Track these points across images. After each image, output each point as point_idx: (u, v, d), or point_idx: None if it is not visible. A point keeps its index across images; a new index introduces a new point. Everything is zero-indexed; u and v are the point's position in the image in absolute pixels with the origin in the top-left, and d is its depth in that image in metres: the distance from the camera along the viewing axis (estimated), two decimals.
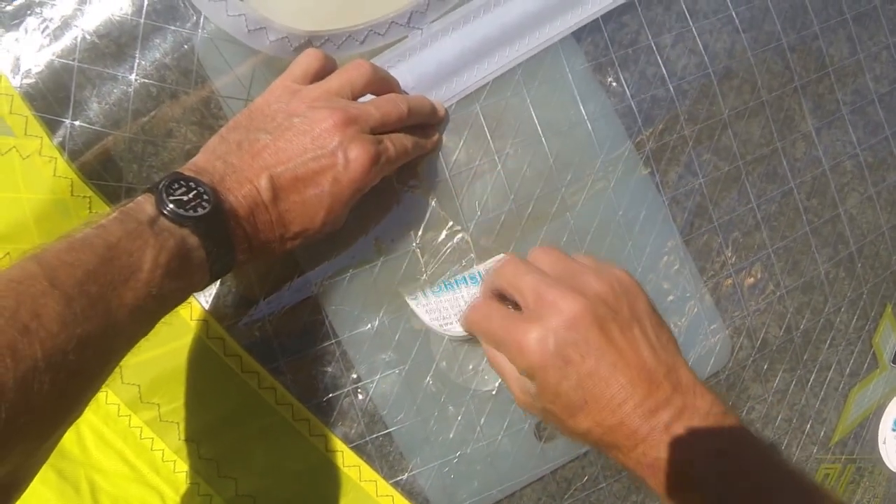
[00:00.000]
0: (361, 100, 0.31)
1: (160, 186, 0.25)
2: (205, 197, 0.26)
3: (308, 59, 0.31)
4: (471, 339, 0.33)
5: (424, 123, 0.33)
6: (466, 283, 0.34)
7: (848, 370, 0.41)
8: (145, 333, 0.25)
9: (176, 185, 0.25)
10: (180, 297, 0.26)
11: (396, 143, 0.30)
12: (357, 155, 0.28)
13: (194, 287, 0.26)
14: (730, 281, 0.37)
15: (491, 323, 0.29)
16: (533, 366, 0.27)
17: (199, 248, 0.25)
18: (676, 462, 0.26)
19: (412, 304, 0.34)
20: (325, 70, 0.31)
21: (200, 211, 0.25)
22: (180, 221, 0.25)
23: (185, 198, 0.25)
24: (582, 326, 0.27)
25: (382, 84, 0.32)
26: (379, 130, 0.30)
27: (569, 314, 0.27)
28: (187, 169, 0.27)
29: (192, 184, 0.26)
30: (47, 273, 0.21)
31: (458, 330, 0.33)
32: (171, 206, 0.25)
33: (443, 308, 0.33)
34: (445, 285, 0.34)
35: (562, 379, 0.27)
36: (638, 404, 0.26)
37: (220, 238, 0.26)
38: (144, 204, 0.25)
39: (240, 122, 0.29)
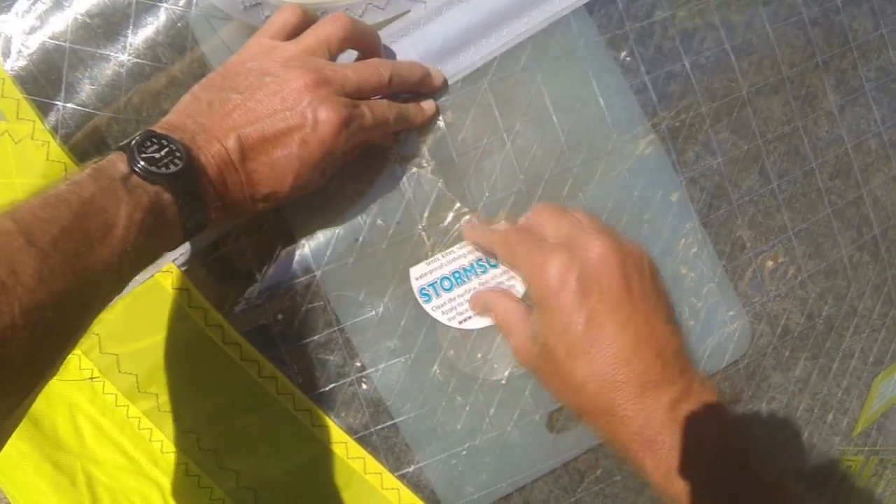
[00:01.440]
0: (347, 59, 0.30)
1: (132, 144, 0.25)
2: (177, 154, 0.25)
3: (285, 15, 0.30)
4: (492, 325, 0.32)
5: (417, 92, 0.32)
6: (476, 273, 0.33)
7: (872, 358, 0.39)
8: (119, 291, 0.25)
9: (148, 143, 0.25)
10: (155, 254, 0.26)
11: (376, 110, 0.29)
12: (327, 116, 0.27)
13: (168, 245, 0.26)
14: (750, 265, 0.36)
15: (521, 244, 0.29)
16: (550, 287, 0.26)
17: (171, 205, 0.25)
18: (681, 445, 0.25)
19: (426, 307, 0.32)
20: (303, 25, 0.30)
21: (173, 168, 0.25)
22: (153, 179, 0.25)
23: (156, 155, 0.25)
24: (609, 268, 0.26)
25: (362, 39, 0.30)
26: (355, 95, 0.29)
27: (601, 251, 0.27)
28: (160, 126, 0.27)
29: (164, 141, 0.25)
30: (23, 229, 0.21)
31: (477, 324, 0.32)
32: (143, 163, 0.25)
33: (457, 305, 0.32)
34: (455, 278, 0.32)
35: (575, 311, 0.26)
36: (644, 371, 0.25)
37: (193, 195, 0.26)
38: (117, 161, 0.25)
39: (213, 81, 0.29)
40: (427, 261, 0.33)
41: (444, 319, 0.32)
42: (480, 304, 0.32)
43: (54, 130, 0.33)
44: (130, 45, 0.32)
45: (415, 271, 0.33)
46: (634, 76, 0.34)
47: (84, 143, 0.33)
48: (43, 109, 0.33)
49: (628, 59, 0.34)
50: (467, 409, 0.33)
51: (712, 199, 0.35)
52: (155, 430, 0.34)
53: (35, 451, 0.33)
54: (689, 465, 0.25)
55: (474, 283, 0.32)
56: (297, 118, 0.27)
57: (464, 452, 0.33)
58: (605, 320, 0.26)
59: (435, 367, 0.33)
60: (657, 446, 0.25)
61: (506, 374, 0.33)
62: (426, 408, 0.33)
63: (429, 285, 0.33)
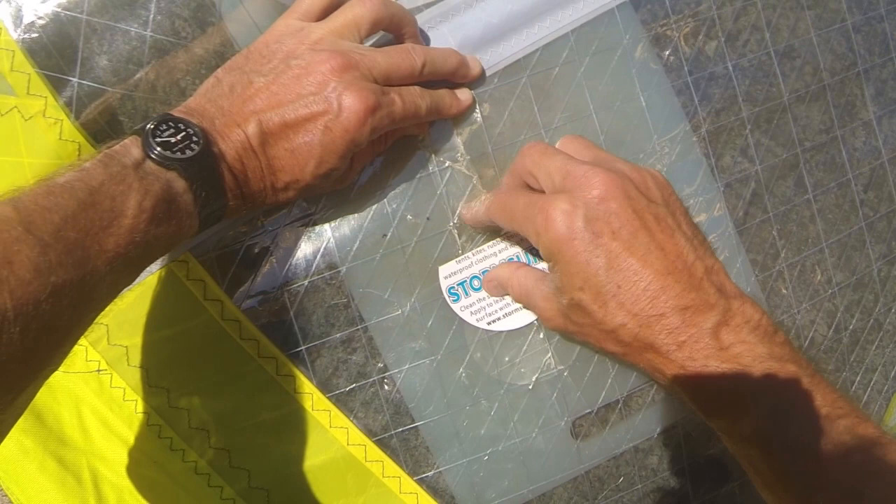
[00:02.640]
0: (375, 43, 0.28)
1: (147, 128, 0.24)
2: (194, 139, 0.24)
3: None
4: (523, 327, 0.31)
5: (452, 82, 0.30)
6: None
7: (893, 373, 0.39)
8: (129, 282, 0.24)
9: (164, 126, 0.24)
10: (167, 244, 0.24)
11: (406, 98, 0.27)
12: (352, 102, 0.26)
13: (182, 234, 0.25)
14: (781, 275, 0.35)
15: (516, 202, 0.27)
16: (559, 239, 0.25)
17: (186, 192, 0.24)
18: (727, 375, 0.23)
19: (454, 307, 0.31)
20: (332, 6, 0.28)
21: (189, 153, 0.24)
22: (167, 164, 0.24)
23: (172, 139, 0.24)
24: (613, 202, 0.25)
25: (396, 22, 0.28)
26: (384, 81, 0.27)
27: (601, 188, 0.25)
28: (178, 110, 0.25)
29: (181, 125, 0.24)
30: (23, 218, 0.20)
31: (505, 325, 0.31)
32: (158, 147, 0.24)
33: (486, 305, 0.31)
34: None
35: (591, 256, 0.24)
36: (679, 296, 0.24)
37: (209, 182, 0.25)
38: (131, 147, 0.24)
39: (237, 63, 0.27)
40: (457, 259, 0.32)
41: (472, 320, 0.31)
42: (493, 284, 0.31)
43: (68, 107, 0.31)
44: (153, 19, 0.30)
45: (444, 270, 0.31)
46: (677, 76, 0.33)
47: (99, 122, 0.31)
48: (56, 85, 0.31)
49: (672, 57, 0.33)
50: (492, 413, 0.32)
51: (748, 206, 0.34)
52: (165, 426, 0.32)
53: (39, 446, 0.32)
54: (738, 392, 0.23)
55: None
56: (321, 104, 0.26)
57: (486, 458, 0.32)
58: (625, 257, 0.24)
59: (461, 370, 0.32)
60: (705, 377, 0.24)
61: (533, 379, 0.32)
62: (450, 411, 0.32)
63: (458, 284, 0.31)
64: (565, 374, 0.32)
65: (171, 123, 0.24)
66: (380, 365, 0.32)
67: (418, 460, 0.32)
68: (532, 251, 0.31)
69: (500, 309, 0.31)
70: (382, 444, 0.32)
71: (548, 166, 0.27)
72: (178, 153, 0.24)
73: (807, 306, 0.36)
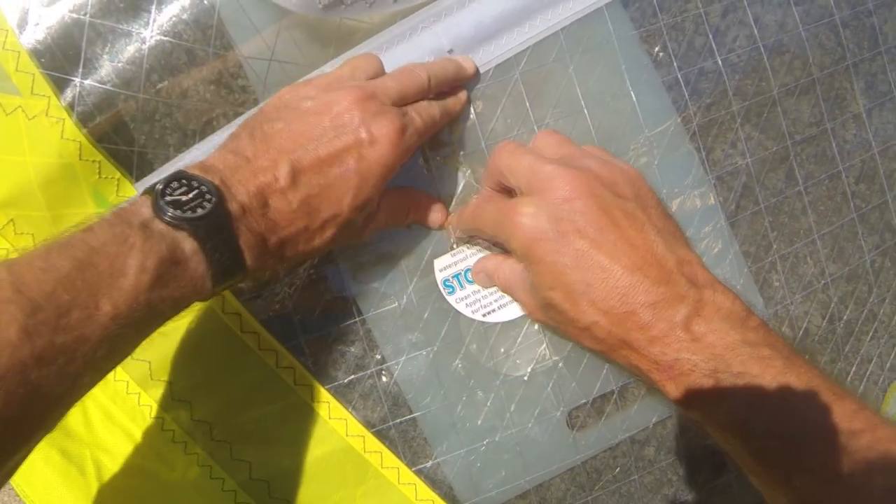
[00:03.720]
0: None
1: (157, 187, 0.23)
2: (207, 196, 0.23)
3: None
4: (517, 318, 0.32)
5: (453, 87, 0.31)
6: None
7: (888, 364, 0.39)
8: (135, 345, 0.23)
9: (175, 184, 0.23)
10: (175, 306, 0.23)
11: (423, 112, 0.28)
12: (381, 130, 0.26)
13: (192, 297, 0.24)
14: (774, 266, 0.35)
15: (486, 211, 0.28)
16: (527, 240, 0.25)
17: (196, 253, 0.23)
18: (700, 366, 0.24)
19: (450, 299, 0.32)
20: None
21: (200, 211, 0.23)
22: (176, 223, 0.23)
23: (183, 198, 0.23)
24: (578, 201, 0.25)
25: (390, 71, 0.30)
26: (400, 103, 0.28)
27: (565, 188, 0.25)
28: (192, 167, 0.25)
29: (194, 182, 0.24)
30: (15, 279, 0.19)
31: (500, 317, 0.32)
32: (167, 206, 0.23)
33: (481, 297, 0.32)
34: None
35: (557, 255, 0.25)
36: (648, 292, 0.24)
37: (223, 241, 0.23)
38: (141, 206, 0.23)
39: (250, 119, 0.27)
40: (451, 252, 0.32)
41: (467, 312, 0.32)
42: (481, 276, 0.31)
43: (70, 108, 0.32)
44: (154, 21, 0.31)
45: (439, 263, 0.32)
46: (667, 71, 0.33)
47: (101, 122, 0.32)
48: (59, 85, 0.32)
49: (661, 53, 0.33)
50: (488, 404, 0.33)
51: (740, 198, 0.35)
52: (167, 419, 0.33)
53: (43, 439, 0.32)
54: (710, 384, 0.23)
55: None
56: (351, 135, 0.26)
57: (483, 448, 0.33)
58: (593, 254, 0.25)
59: (457, 362, 0.32)
60: (676, 372, 0.24)
61: (528, 370, 0.33)
62: (446, 402, 0.33)
63: (453, 277, 0.32)
64: (560, 364, 0.33)
65: (183, 181, 0.23)
66: (377, 357, 0.32)
67: (416, 451, 0.33)
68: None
69: (495, 301, 0.32)
70: (381, 435, 0.33)
71: (516, 168, 0.27)
72: (189, 212, 0.23)
73: (800, 297, 0.36)
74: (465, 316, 0.32)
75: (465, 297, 0.32)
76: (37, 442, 0.22)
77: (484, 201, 0.30)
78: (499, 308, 0.32)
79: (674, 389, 0.24)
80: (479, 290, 0.32)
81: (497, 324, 0.32)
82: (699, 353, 0.24)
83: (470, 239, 0.32)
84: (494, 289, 0.32)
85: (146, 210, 0.23)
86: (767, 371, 0.23)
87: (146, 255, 0.22)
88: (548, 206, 0.25)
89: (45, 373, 0.19)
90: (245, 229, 0.24)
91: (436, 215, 0.31)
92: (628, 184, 0.27)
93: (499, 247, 0.32)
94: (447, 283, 0.32)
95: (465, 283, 0.32)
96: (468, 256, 0.32)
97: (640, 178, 0.28)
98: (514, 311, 0.32)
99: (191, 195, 0.23)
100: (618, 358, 0.26)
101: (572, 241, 0.25)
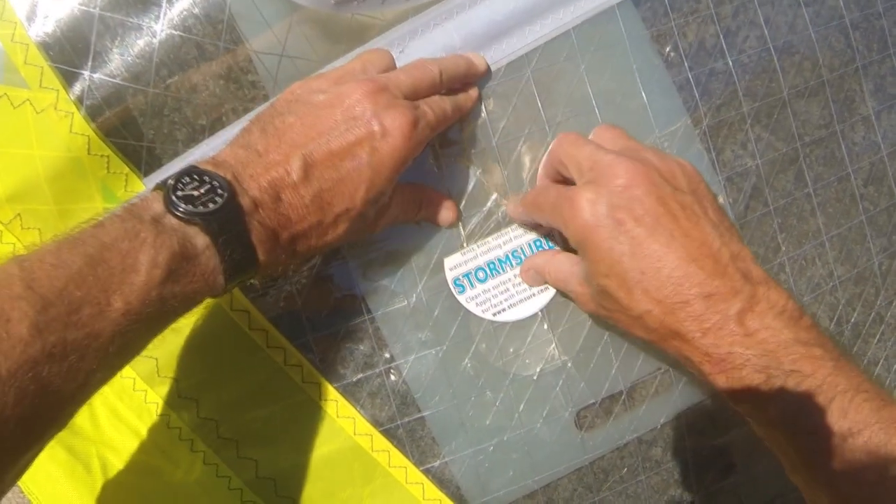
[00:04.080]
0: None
1: (168, 182, 0.23)
2: (219, 191, 0.23)
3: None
4: (528, 317, 0.32)
5: (464, 83, 0.31)
6: (511, 264, 0.32)
7: (895, 367, 0.39)
8: (147, 341, 0.23)
9: (187, 179, 0.23)
10: (187, 302, 0.23)
11: (434, 106, 0.28)
12: (394, 122, 0.26)
13: (204, 293, 0.24)
14: (783, 268, 0.35)
15: (546, 196, 0.28)
16: (584, 227, 0.26)
17: (208, 248, 0.23)
18: (752, 361, 0.24)
19: (460, 298, 0.32)
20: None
21: (211, 206, 0.23)
22: (188, 218, 0.23)
23: (195, 192, 0.23)
24: (637, 190, 0.26)
25: (402, 66, 0.29)
26: (411, 97, 0.28)
27: (624, 177, 0.26)
28: (204, 162, 0.25)
29: (206, 177, 0.23)
30: (26, 275, 0.19)
31: (511, 316, 0.32)
32: (179, 201, 0.23)
33: (492, 297, 0.32)
34: (491, 269, 0.32)
35: (614, 243, 0.25)
36: (703, 283, 0.24)
37: (235, 235, 0.23)
38: (153, 201, 0.23)
39: (261, 114, 0.27)
40: (462, 251, 0.32)
41: (478, 311, 0.32)
42: (530, 273, 0.32)
43: (79, 101, 0.31)
44: (164, 15, 0.31)
45: (449, 262, 0.32)
46: (678, 72, 0.33)
47: (110, 116, 0.32)
48: (68, 78, 0.31)
49: (672, 53, 0.33)
50: (497, 404, 0.33)
51: (749, 200, 0.35)
52: (174, 416, 0.33)
53: None
54: (762, 380, 0.23)
55: (509, 275, 0.32)
56: (363, 128, 0.26)
57: (491, 448, 0.33)
58: (648, 243, 0.25)
59: (466, 361, 0.32)
60: (728, 365, 0.24)
61: (537, 369, 0.33)
62: (455, 402, 0.32)
63: (463, 276, 0.32)
64: (569, 364, 0.33)
65: (195, 176, 0.23)
66: (386, 355, 0.32)
67: (424, 451, 0.33)
68: (543, 238, 0.32)
69: (506, 300, 0.32)
70: (389, 434, 0.33)
71: (577, 156, 0.28)
72: (201, 207, 0.23)
73: (808, 299, 0.36)
74: (474, 315, 0.32)
75: (476, 297, 0.32)
76: (49, 439, 0.21)
77: (545, 187, 0.30)
78: (509, 307, 0.32)
79: (724, 383, 0.24)
80: (489, 290, 0.32)
81: (507, 323, 0.32)
82: (752, 348, 0.24)
83: (522, 226, 0.32)
84: (504, 289, 0.32)
85: (158, 205, 0.23)
86: (819, 371, 0.23)
87: (158, 250, 0.21)
88: (607, 193, 0.26)
89: (57, 370, 0.19)
90: (257, 224, 0.24)
91: (447, 213, 0.31)
92: (685, 177, 0.27)
93: (553, 237, 0.32)
94: (457, 283, 0.32)
95: (475, 282, 0.32)
96: (478, 255, 0.32)
97: (697, 174, 0.28)
98: (524, 310, 0.32)
99: (203, 190, 0.23)
100: (668, 348, 0.26)
101: (629, 229, 0.25)
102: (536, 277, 0.32)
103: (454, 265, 0.32)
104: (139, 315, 0.21)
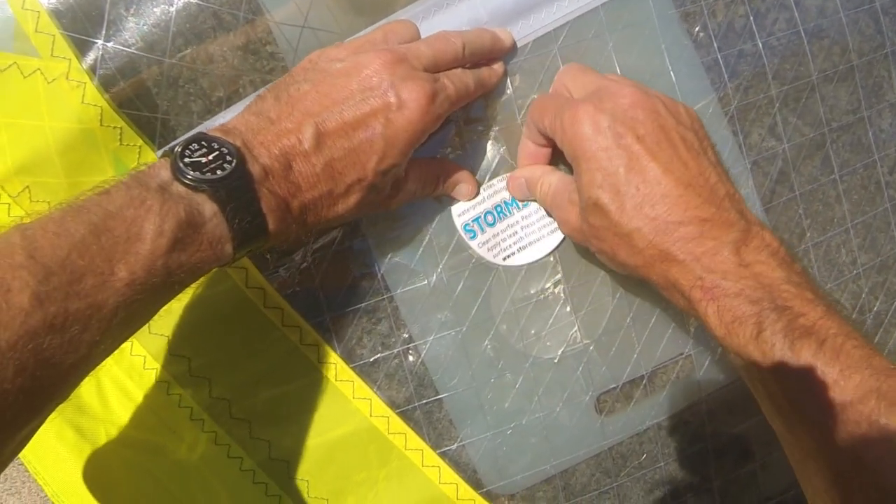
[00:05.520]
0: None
1: (175, 148, 0.23)
2: (227, 158, 0.23)
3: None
4: (536, 262, 0.32)
5: (489, 58, 0.30)
6: (518, 206, 0.32)
7: None
8: (153, 311, 0.23)
9: (195, 146, 0.23)
10: (194, 271, 0.23)
11: (455, 80, 0.27)
12: (411, 94, 0.25)
13: (212, 262, 0.23)
14: (807, 255, 0.35)
15: (551, 100, 0.28)
16: (583, 136, 0.25)
17: (216, 216, 0.22)
18: (745, 292, 0.23)
19: (471, 244, 0.31)
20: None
21: (220, 173, 0.22)
22: (195, 185, 0.22)
23: (203, 159, 0.22)
24: (641, 112, 0.25)
25: (431, 38, 0.29)
26: (432, 70, 0.27)
27: (630, 99, 0.26)
28: (213, 129, 0.24)
29: (214, 144, 0.23)
30: (28, 244, 0.19)
31: (520, 259, 0.31)
32: (186, 168, 0.22)
33: (501, 240, 0.31)
34: (498, 212, 0.31)
35: (612, 153, 0.25)
36: (699, 207, 0.24)
37: (243, 203, 0.23)
38: (160, 168, 0.23)
39: (277, 83, 0.27)
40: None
41: (489, 256, 0.31)
42: (518, 183, 0.31)
43: (92, 71, 0.30)
44: None
45: (456, 209, 0.31)
46: (706, 52, 0.33)
47: (124, 87, 0.31)
48: (80, 47, 0.30)
49: (701, 34, 0.33)
50: (516, 387, 0.32)
51: (775, 184, 0.34)
52: (185, 395, 0.32)
53: (57, 414, 0.31)
54: (754, 312, 0.23)
55: (517, 217, 0.31)
56: (379, 99, 0.25)
57: (509, 432, 0.32)
58: (647, 161, 0.25)
59: (486, 342, 0.32)
60: (721, 293, 0.23)
61: (559, 352, 0.32)
62: (474, 384, 0.32)
63: (473, 221, 0.31)
64: (591, 348, 0.32)
65: (203, 143, 0.23)
66: (405, 335, 0.32)
67: (441, 433, 0.32)
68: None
69: (515, 243, 0.31)
70: (405, 416, 0.32)
71: (583, 80, 0.28)
72: (209, 174, 0.22)
73: (832, 286, 0.35)
74: (496, 296, 0.31)
75: (487, 241, 0.31)
76: (50, 412, 0.21)
77: (551, 95, 0.30)
78: (518, 251, 0.31)
79: (714, 312, 0.24)
80: (498, 234, 0.31)
81: (521, 267, 0.32)
82: (747, 279, 0.23)
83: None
84: (512, 231, 0.31)
85: (165, 172, 0.22)
86: (811, 313, 0.23)
87: (164, 217, 0.21)
88: (611, 108, 0.25)
89: (59, 341, 0.19)
90: (267, 192, 0.24)
91: (467, 187, 0.31)
92: (689, 117, 0.27)
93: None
94: (468, 228, 0.31)
95: (485, 226, 0.31)
96: (485, 199, 0.31)
97: (699, 119, 0.28)
98: (533, 253, 0.31)
99: (211, 157, 0.23)
100: (653, 274, 0.25)
101: (629, 144, 0.25)
102: (523, 189, 0.31)
103: (462, 211, 0.31)
104: (144, 285, 0.21)
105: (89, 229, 0.20)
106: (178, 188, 0.22)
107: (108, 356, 0.22)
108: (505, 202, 0.31)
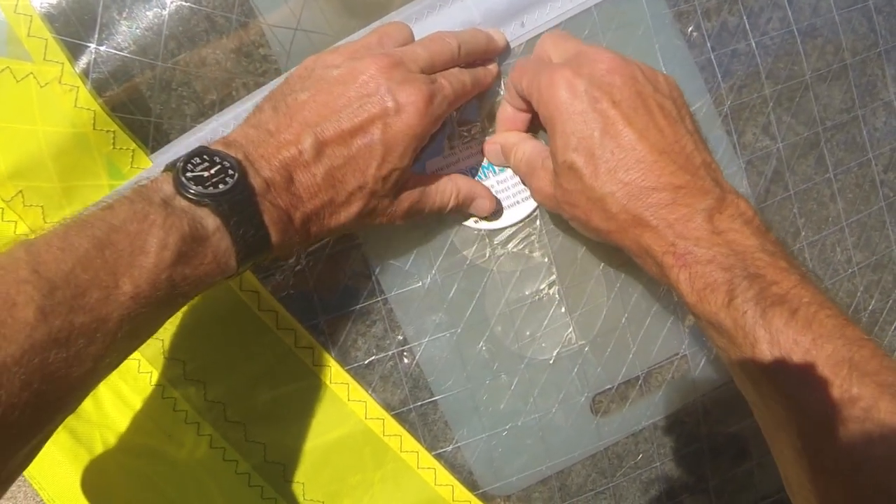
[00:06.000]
0: None
1: (178, 163, 0.23)
2: (229, 172, 0.23)
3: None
4: (504, 228, 0.31)
5: (483, 59, 0.30)
6: (494, 171, 0.31)
7: None
8: (158, 325, 0.23)
9: (197, 160, 0.23)
10: (198, 284, 0.23)
11: (452, 80, 0.27)
12: (409, 98, 0.25)
13: (216, 274, 0.23)
14: (802, 254, 0.35)
15: (531, 64, 0.28)
16: (559, 100, 0.25)
17: (219, 229, 0.23)
18: (718, 259, 0.23)
19: None
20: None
21: (222, 187, 0.22)
22: (198, 199, 0.22)
23: (205, 173, 0.23)
24: (618, 78, 0.25)
25: (424, 40, 0.29)
26: (429, 71, 0.27)
27: (607, 65, 0.26)
28: (214, 143, 0.24)
29: (216, 158, 0.23)
30: (32, 259, 0.19)
31: (493, 224, 0.31)
32: (188, 182, 0.22)
33: None
34: (472, 175, 0.31)
35: (587, 117, 0.25)
36: (674, 174, 0.24)
37: (246, 216, 0.23)
38: (162, 183, 0.23)
39: (274, 92, 0.27)
40: (443, 154, 0.31)
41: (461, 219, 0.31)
42: (495, 148, 0.31)
43: (85, 75, 0.30)
44: None
45: (431, 165, 0.31)
46: (699, 52, 0.33)
47: (117, 91, 0.31)
48: (73, 51, 0.30)
49: (695, 33, 0.33)
50: (512, 388, 0.32)
51: (770, 184, 0.34)
52: (180, 399, 0.32)
53: None
54: (726, 278, 0.23)
55: (492, 181, 0.31)
56: (377, 105, 0.25)
57: (505, 433, 0.32)
58: (622, 126, 0.25)
59: (481, 344, 0.32)
60: (693, 259, 0.23)
61: (554, 353, 0.32)
62: (469, 385, 0.32)
63: None
64: (586, 349, 0.32)
65: (205, 157, 0.23)
66: (399, 337, 0.32)
67: (437, 435, 0.32)
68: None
69: (486, 155, 0.31)
70: (401, 418, 0.32)
71: (564, 45, 0.28)
72: (211, 188, 0.22)
73: (827, 285, 0.36)
74: (490, 297, 0.31)
75: None
76: (56, 426, 0.21)
77: (532, 60, 0.30)
78: (492, 214, 0.31)
79: (685, 279, 0.23)
80: None
81: (496, 229, 0.31)
82: (720, 246, 0.23)
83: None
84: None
85: (167, 187, 0.22)
86: (784, 281, 0.23)
87: (167, 232, 0.21)
88: (589, 72, 0.25)
89: (64, 354, 0.19)
90: (269, 204, 0.24)
91: (484, 202, 0.30)
92: (667, 85, 0.27)
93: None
94: None
95: None
96: (461, 160, 0.31)
97: (679, 88, 0.27)
98: (507, 218, 0.31)
99: (213, 171, 0.23)
100: (626, 239, 0.25)
101: (605, 109, 0.25)
102: (499, 155, 0.31)
103: (436, 169, 0.31)
104: (149, 298, 0.21)
105: (93, 243, 0.20)
106: (181, 202, 0.22)
107: (114, 370, 0.22)
108: (482, 166, 0.31)
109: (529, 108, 0.29)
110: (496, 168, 0.31)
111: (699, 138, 0.26)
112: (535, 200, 0.31)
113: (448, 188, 0.29)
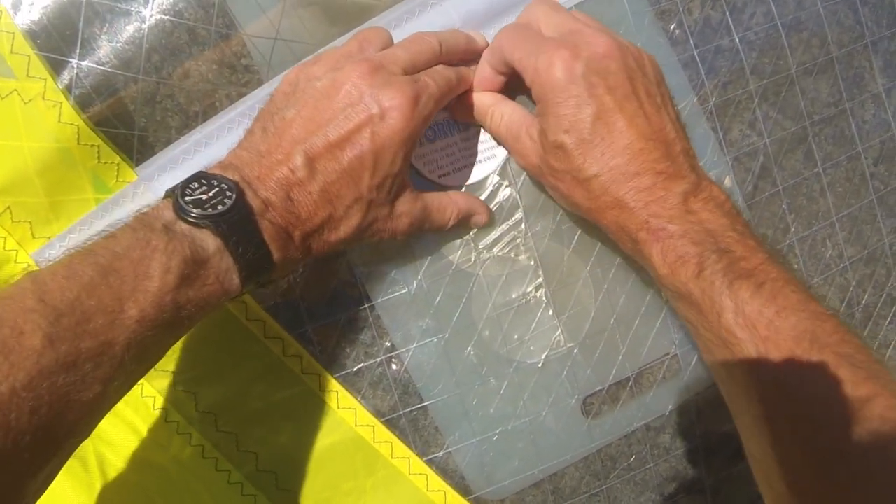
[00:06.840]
0: None
1: (176, 189, 0.23)
2: (227, 193, 0.23)
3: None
4: (472, 183, 0.31)
5: (463, 60, 0.30)
6: (459, 128, 0.31)
7: None
8: (166, 347, 0.23)
9: (195, 184, 0.23)
10: (203, 306, 0.23)
11: (437, 77, 0.27)
12: (392, 101, 0.25)
13: (221, 295, 0.23)
14: (792, 249, 0.35)
15: (526, 36, 0.28)
16: (556, 82, 0.26)
17: (221, 250, 0.23)
18: (689, 235, 0.24)
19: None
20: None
21: (220, 208, 0.23)
22: (198, 222, 0.23)
23: (204, 196, 0.23)
24: (613, 63, 0.26)
25: (406, 42, 0.28)
26: (411, 71, 0.27)
27: (604, 49, 0.26)
28: (212, 168, 0.25)
29: (214, 181, 0.24)
30: (38, 288, 0.20)
31: (455, 181, 0.31)
32: (188, 206, 0.23)
33: (438, 157, 0.31)
34: (438, 129, 0.31)
35: (584, 104, 0.26)
36: (657, 161, 0.25)
37: (246, 235, 0.23)
38: (163, 209, 0.23)
39: (262, 112, 0.27)
40: None
41: (424, 171, 0.31)
42: (464, 106, 0.30)
43: (68, 90, 0.31)
44: (153, 0, 0.30)
45: None
46: (682, 49, 0.32)
47: (100, 105, 0.31)
48: (56, 67, 0.30)
49: (677, 31, 0.32)
50: (501, 392, 0.32)
51: (757, 180, 0.34)
52: (171, 410, 0.32)
53: None
54: (696, 252, 0.24)
55: (456, 138, 0.31)
56: (362, 113, 0.25)
57: (495, 437, 0.32)
58: (614, 113, 0.25)
59: (469, 349, 0.32)
60: (666, 234, 0.25)
61: (542, 357, 0.32)
62: (458, 390, 0.32)
63: None
64: (575, 351, 0.32)
65: (203, 181, 0.23)
66: (387, 344, 0.32)
67: (427, 441, 0.32)
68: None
69: (451, 164, 0.31)
70: (391, 424, 0.32)
71: (556, 19, 0.28)
72: (210, 209, 0.23)
73: (818, 281, 0.35)
74: (477, 302, 0.31)
75: (424, 156, 0.31)
76: (70, 452, 0.21)
77: (525, 27, 0.29)
78: (454, 171, 0.31)
79: (658, 252, 0.25)
80: (437, 150, 0.31)
81: (453, 187, 0.31)
82: (692, 223, 0.25)
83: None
84: (450, 152, 0.31)
85: (168, 212, 0.23)
86: (753, 258, 0.24)
87: (170, 256, 0.21)
88: (587, 57, 0.26)
89: (73, 378, 0.19)
90: (268, 223, 0.24)
91: (481, 217, 0.31)
92: (653, 69, 0.28)
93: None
94: None
95: (423, 140, 0.31)
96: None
97: (661, 71, 0.28)
98: (468, 175, 0.31)
99: (211, 193, 0.23)
100: (604, 218, 0.26)
101: (600, 95, 0.26)
102: (469, 112, 0.30)
103: None
104: (154, 321, 0.21)
105: (97, 271, 0.21)
106: (182, 226, 0.23)
107: (124, 395, 0.22)
108: (448, 121, 0.31)
109: (508, 73, 0.29)
110: (460, 125, 0.31)
111: (679, 125, 0.27)
112: (517, 164, 0.31)
113: (449, 208, 0.30)
